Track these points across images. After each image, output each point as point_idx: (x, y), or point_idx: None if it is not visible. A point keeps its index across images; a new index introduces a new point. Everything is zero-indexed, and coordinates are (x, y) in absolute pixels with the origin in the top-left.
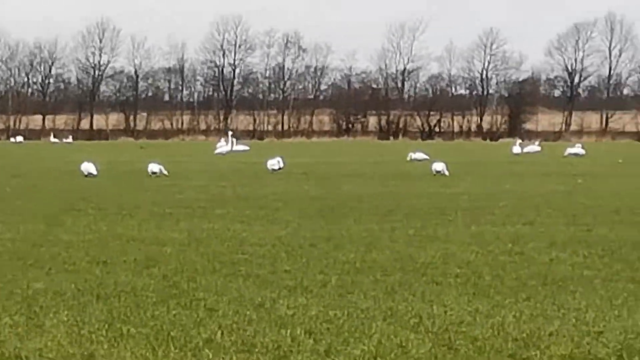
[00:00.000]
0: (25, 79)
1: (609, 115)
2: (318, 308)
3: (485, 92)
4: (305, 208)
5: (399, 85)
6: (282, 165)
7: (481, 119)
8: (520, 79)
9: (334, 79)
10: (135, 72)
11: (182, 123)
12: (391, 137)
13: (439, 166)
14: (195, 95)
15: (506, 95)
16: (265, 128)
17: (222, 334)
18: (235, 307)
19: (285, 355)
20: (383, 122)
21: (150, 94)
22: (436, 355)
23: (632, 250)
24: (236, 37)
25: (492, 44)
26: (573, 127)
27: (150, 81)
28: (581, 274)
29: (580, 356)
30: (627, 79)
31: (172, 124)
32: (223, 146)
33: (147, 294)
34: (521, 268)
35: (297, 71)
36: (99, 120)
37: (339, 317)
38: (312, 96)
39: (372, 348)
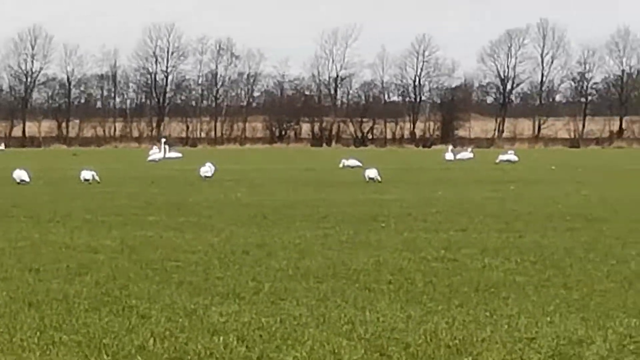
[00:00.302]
0: None
1: (542, 122)
2: (250, 315)
3: (417, 99)
4: (238, 215)
5: (332, 92)
6: (213, 171)
7: (414, 126)
8: (453, 86)
9: (267, 86)
10: (68, 79)
11: (115, 130)
12: (324, 144)
13: (371, 173)
14: (128, 102)
15: (439, 102)
16: (198, 135)
17: (154, 341)
18: (168, 314)
19: None
20: (316, 129)
21: (82, 101)
22: None
23: (564, 256)
24: (169, 44)
25: (424, 51)
26: (505, 134)
27: (82, 88)
28: (513, 280)
29: None
30: (559, 85)
31: (104, 131)
32: (156, 153)
33: (80, 301)
34: (454, 274)
35: (229, 78)
36: (31, 128)
37: (272, 324)
38: (245, 103)
39: (304, 355)
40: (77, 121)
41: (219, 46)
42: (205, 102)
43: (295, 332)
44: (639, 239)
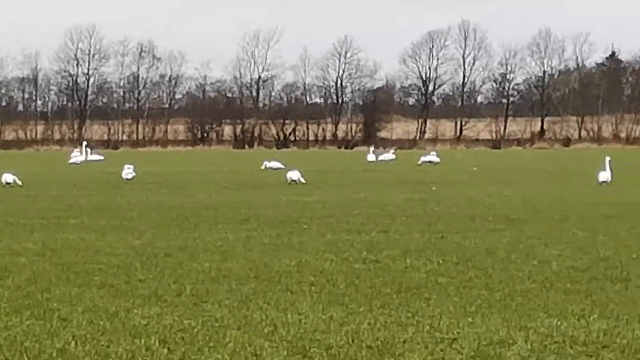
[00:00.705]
0: None
1: (463, 123)
2: (172, 317)
3: (340, 101)
4: (160, 217)
5: (254, 94)
6: (134, 174)
7: (336, 127)
8: (375, 87)
9: (189, 88)
10: None
11: (36, 133)
12: (246, 146)
13: (294, 175)
14: (50, 105)
15: (361, 103)
16: (120, 138)
17: (75, 344)
18: (89, 317)
19: None
20: (238, 131)
21: (3, 103)
22: None
23: (486, 257)
24: (90, 46)
25: (346, 53)
26: (428, 135)
27: (3, 91)
28: (435, 281)
29: None
30: (480, 86)
31: (26, 134)
32: (77, 156)
33: (0, 305)
34: (376, 276)
35: (151, 80)
36: None
37: (194, 326)
38: (166, 105)
39: (226, 357)
40: None
41: (141, 48)
42: (127, 104)
43: (217, 334)
44: (560, 239)
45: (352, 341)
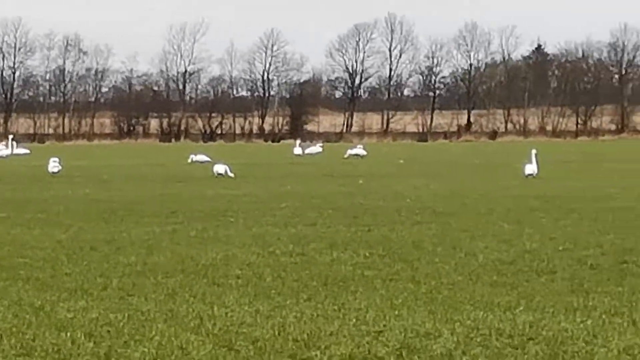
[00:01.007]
0: None
1: (390, 116)
2: (98, 311)
3: (266, 94)
4: (86, 211)
5: (180, 87)
6: (60, 167)
7: (263, 121)
8: (302, 81)
9: (115, 82)
10: None
11: None
12: (173, 139)
13: (220, 168)
14: None
15: (288, 96)
16: (46, 131)
17: (1, 337)
18: (15, 310)
19: (65, 359)
20: (165, 125)
21: None
22: (217, 357)
23: (412, 250)
24: (15, 39)
25: (273, 46)
26: (354, 128)
27: None
28: (362, 274)
29: (360, 356)
30: (407, 79)
31: None
32: (3, 150)
33: None
34: (302, 269)
35: (77, 74)
36: None
37: (120, 320)
38: (93, 99)
39: (152, 350)
40: None
41: (67, 42)
42: (53, 98)
43: (143, 328)
44: (487, 232)
45: (279, 334)
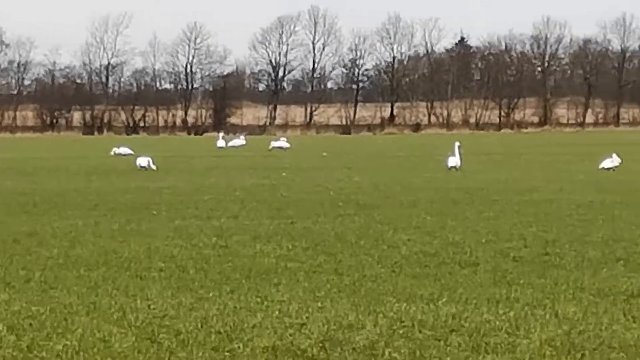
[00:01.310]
0: None
1: (313, 109)
2: (21, 304)
3: (190, 87)
4: (8, 204)
5: (103, 80)
6: None
7: (186, 113)
8: (225, 73)
9: (38, 74)
10: None
11: None
12: (96, 132)
13: (143, 161)
14: None
15: (211, 89)
16: None
17: None
18: None
19: None
20: (87, 117)
21: None
22: (139, 349)
23: (335, 242)
24: None
25: (196, 39)
26: (278, 121)
27: None
28: (285, 266)
29: (283, 348)
30: (330, 72)
31: None
32: None
33: None
34: (225, 261)
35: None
36: None
37: (42, 313)
38: (15, 91)
39: (74, 343)
40: None
41: None
42: None
43: (65, 321)
44: (410, 224)
45: (201, 326)
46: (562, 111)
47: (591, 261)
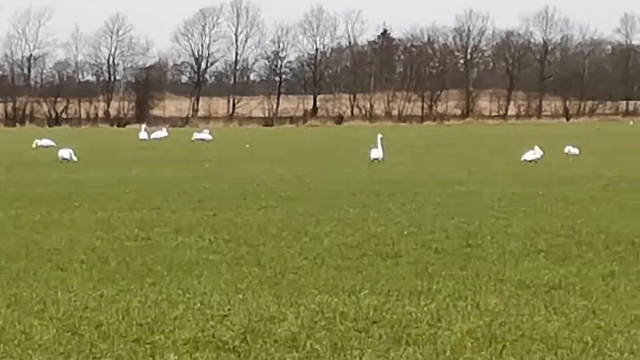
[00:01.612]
0: None
1: (236, 101)
2: None
3: (112, 79)
4: None
5: (25, 71)
6: None
7: (108, 105)
8: (147, 65)
9: None
10: None
11: None
12: (18, 124)
13: (65, 153)
14: None
15: (133, 81)
16: None
17: None
18: None
19: None
20: (9, 109)
21: None
22: (60, 341)
23: (257, 234)
24: None
25: (118, 30)
26: (200, 113)
27: None
28: (207, 258)
29: (204, 340)
30: (253, 64)
31: None
32: None
33: None
34: (147, 253)
35: None
36: None
37: None
38: None
39: None
40: None
41: None
42: None
43: None
44: (332, 216)
45: (123, 318)
46: (484, 103)
47: (513, 253)
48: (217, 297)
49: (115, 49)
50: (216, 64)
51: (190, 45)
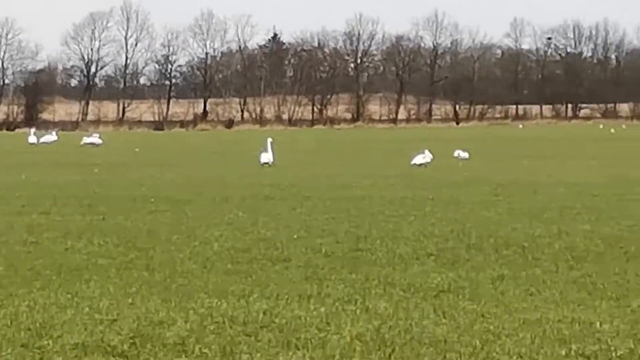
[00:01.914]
0: None
1: (126, 105)
2: None
3: (1, 82)
4: None
5: None
6: None
7: None
8: (37, 69)
9: None
10: None
11: None
12: None
13: None
14: None
15: (22, 85)
16: None
17: None
18: None
19: None
20: None
21: None
22: None
23: (147, 238)
24: None
25: (7, 34)
26: (90, 117)
27: None
28: (96, 262)
29: (93, 344)
30: (143, 68)
31: None
32: None
33: None
34: (36, 258)
35: None
36: None
37: None
38: None
39: None
40: None
41: None
42: None
43: None
44: (222, 220)
45: (11, 323)
46: (374, 107)
47: (402, 257)
48: (106, 301)
49: (5, 52)
50: (106, 68)
51: (80, 49)
